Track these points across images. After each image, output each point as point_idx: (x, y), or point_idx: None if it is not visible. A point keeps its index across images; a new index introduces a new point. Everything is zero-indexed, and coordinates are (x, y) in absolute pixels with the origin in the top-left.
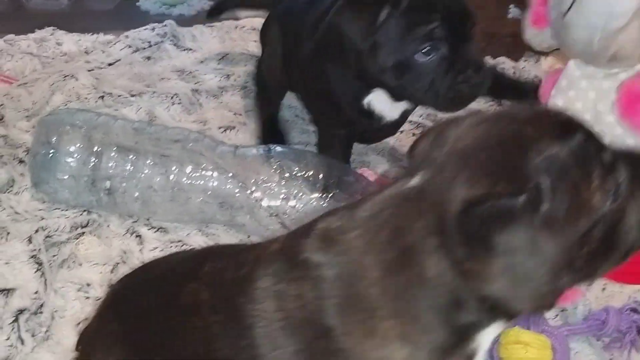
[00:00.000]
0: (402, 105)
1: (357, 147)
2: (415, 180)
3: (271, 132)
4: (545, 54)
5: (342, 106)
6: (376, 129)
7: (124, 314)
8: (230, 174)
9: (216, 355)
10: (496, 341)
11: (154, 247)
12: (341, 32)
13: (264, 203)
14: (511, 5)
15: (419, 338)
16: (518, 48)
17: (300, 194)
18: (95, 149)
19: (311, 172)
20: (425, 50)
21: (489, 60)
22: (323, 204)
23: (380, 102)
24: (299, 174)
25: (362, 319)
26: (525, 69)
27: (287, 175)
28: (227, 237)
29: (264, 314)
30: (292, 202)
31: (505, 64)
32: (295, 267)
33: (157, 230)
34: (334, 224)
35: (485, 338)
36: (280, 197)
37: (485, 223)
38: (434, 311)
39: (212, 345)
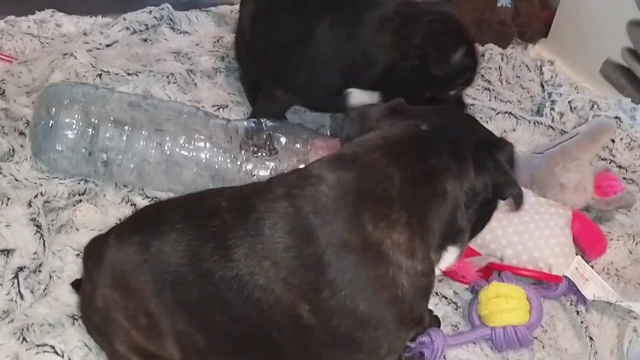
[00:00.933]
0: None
1: None
2: (424, 127)
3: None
4: (532, 42)
5: (319, 85)
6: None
7: (145, 226)
8: (223, 147)
9: (228, 246)
10: (474, 302)
11: None
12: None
13: (255, 174)
14: None
15: (418, 230)
16: (506, 36)
17: (289, 165)
18: (93, 121)
19: (299, 144)
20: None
21: (478, 47)
22: None
23: (359, 96)
24: (288, 146)
25: (379, 208)
26: (513, 55)
27: (277, 147)
28: None
29: (275, 210)
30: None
31: (493, 50)
32: (311, 177)
33: (152, 200)
34: (346, 152)
35: (450, 254)
36: (270, 168)
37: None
38: (436, 215)
39: (226, 242)
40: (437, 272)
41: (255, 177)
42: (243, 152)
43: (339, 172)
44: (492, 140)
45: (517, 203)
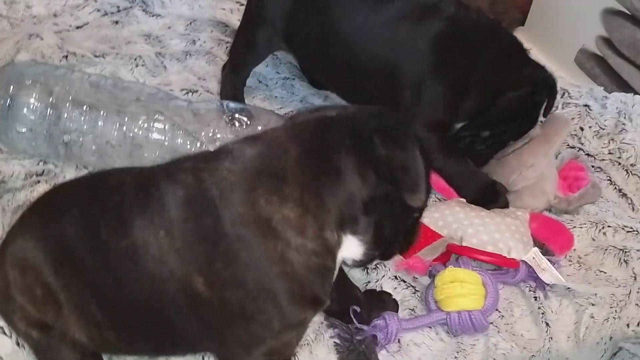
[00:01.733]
0: None
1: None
2: (332, 113)
3: (234, 93)
4: (512, 28)
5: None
6: None
7: (48, 205)
8: (184, 128)
9: (125, 219)
10: (431, 286)
11: None
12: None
13: None
14: None
15: (310, 207)
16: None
17: None
18: (53, 102)
19: (262, 126)
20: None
21: None
22: None
23: None
24: (250, 128)
25: (272, 182)
26: None
27: (239, 128)
28: None
29: (178, 182)
30: None
31: None
32: (220, 153)
33: None
34: (260, 133)
35: (352, 244)
36: None
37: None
38: (330, 193)
39: (123, 215)
40: (340, 257)
41: None
42: (203, 133)
43: (245, 148)
44: (393, 125)
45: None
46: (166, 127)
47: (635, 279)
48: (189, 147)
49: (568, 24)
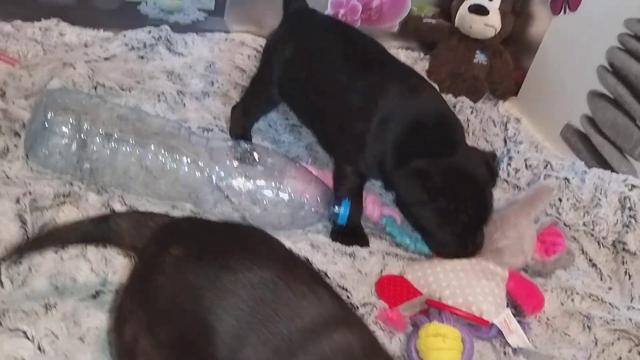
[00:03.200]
0: None
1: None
2: None
3: (242, 133)
4: (503, 99)
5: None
6: None
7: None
8: (199, 165)
9: None
10: (414, 336)
11: None
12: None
13: (228, 195)
14: (478, 51)
15: None
16: (478, 90)
17: (262, 190)
18: (85, 129)
19: (273, 171)
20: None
21: (450, 99)
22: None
23: None
24: (260, 169)
25: None
26: (482, 109)
27: (248, 166)
28: None
29: None
30: (253, 198)
31: (464, 103)
32: None
33: (129, 208)
34: None
35: None
36: (243, 193)
37: None
38: None
39: None
40: None
41: (228, 196)
42: (217, 169)
43: None
44: None
45: None
46: (183, 162)
47: (596, 344)
48: (204, 184)
49: (557, 100)
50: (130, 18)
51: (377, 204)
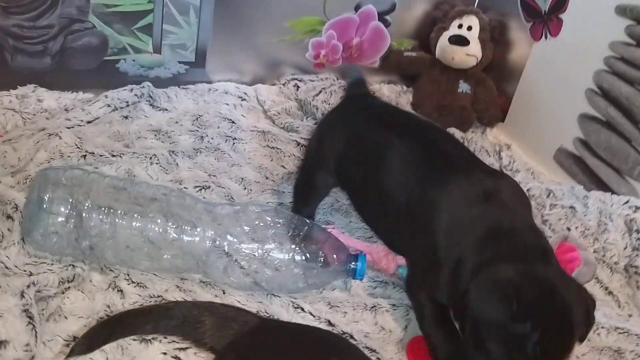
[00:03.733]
0: None
1: (322, 206)
2: None
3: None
4: (490, 126)
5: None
6: None
7: None
8: (209, 233)
9: None
10: None
11: (134, 302)
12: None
13: (239, 261)
14: (461, 80)
15: None
16: (466, 120)
17: (272, 253)
18: (83, 207)
19: (284, 230)
20: None
21: None
22: (292, 261)
23: None
24: (270, 232)
25: None
26: (473, 139)
27: (259, 234)
28: (203, 294)
29: None
30: (263, 261)
31: (455, 135)
32: None
33: (137, 286)
34: None
35: None
36: (254, 257)
37: None
38: None
39: None
40: None
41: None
42: (227, 237)
43: None
44: None
45: None
46: (186, 229)
47: None
48: (211, 253)
49: (546, 124)
50: (109, 77)
51: (390, 255)
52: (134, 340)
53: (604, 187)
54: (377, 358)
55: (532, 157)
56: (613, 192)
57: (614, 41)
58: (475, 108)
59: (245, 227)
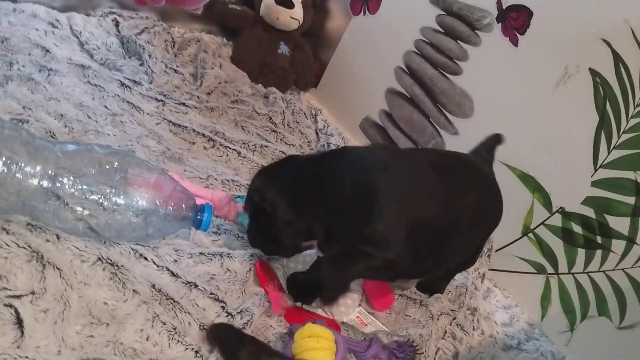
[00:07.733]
0: None
1: (154, 154)
2: None
3: None
4: (304, 90)
5: None
6: None
7: None
8: (36, 171)
9: None
10: (290, 342)
11: None
12: None
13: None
14: (281, 42)
15: None
16: (286, 81)
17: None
18: None
19: (128, 175)
20: None
21: (261, 89)
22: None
23: None
24: (117, 177)
25: None
26: (292, 101)
27: (101, 177)
28: (33, 237)
29: None
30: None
31: (276, 94)
32: None
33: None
34: None
35: None
36: (90, 201)
37: None
38: None
39: None
40: None
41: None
42: (61, 177)
43: None
44: None
45: None
46: (9, 165)
47: (432, 318)
48: (32, 188)
49: (356, 95)
50: None
51: (232, 202)
52: None
53: None
54: (223, 300)
55: (340, 123)
56: None
57: (425, 27)
58: (294, 70)
59: (90, 169)
